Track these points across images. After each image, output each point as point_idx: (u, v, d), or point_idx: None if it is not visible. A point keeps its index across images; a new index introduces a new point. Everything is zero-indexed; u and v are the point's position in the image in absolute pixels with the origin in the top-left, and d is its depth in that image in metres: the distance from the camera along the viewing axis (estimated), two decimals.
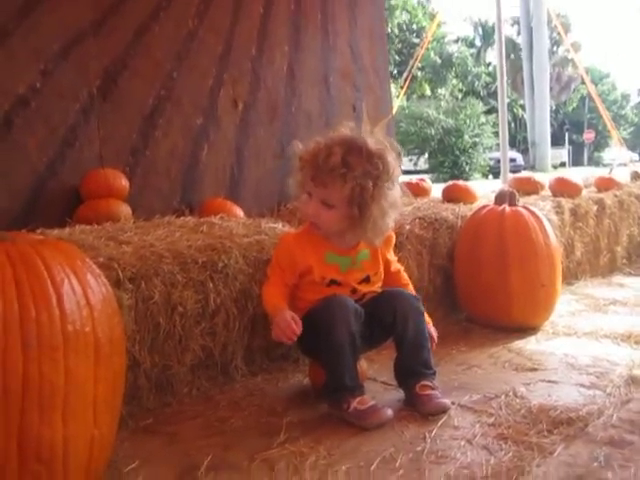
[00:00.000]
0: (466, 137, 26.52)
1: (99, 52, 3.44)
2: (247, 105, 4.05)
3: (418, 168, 30.11)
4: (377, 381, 2.66)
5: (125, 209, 3.26)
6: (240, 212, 3.57)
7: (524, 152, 36.18)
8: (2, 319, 1.49)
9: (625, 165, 6.74)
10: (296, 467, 1.96)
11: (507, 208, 3.39)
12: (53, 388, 1.52)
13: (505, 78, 6.56)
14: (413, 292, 2.61)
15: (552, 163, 33.57)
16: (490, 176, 25.96)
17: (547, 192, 4.76)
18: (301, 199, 2.45)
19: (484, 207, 3.52)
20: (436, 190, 4.79)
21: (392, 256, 2.65)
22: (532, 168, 31.61)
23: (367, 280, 2.51)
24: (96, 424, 1.64)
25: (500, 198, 3.50)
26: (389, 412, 2.26)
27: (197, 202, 3.73)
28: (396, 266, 2.66)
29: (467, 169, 26.41)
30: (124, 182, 3.35)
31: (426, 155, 29.07)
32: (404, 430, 2.19)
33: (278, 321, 2.29)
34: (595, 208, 4.55)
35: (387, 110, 5.12)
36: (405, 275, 2.70)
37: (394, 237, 2.65)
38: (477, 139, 26.83)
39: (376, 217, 2.34)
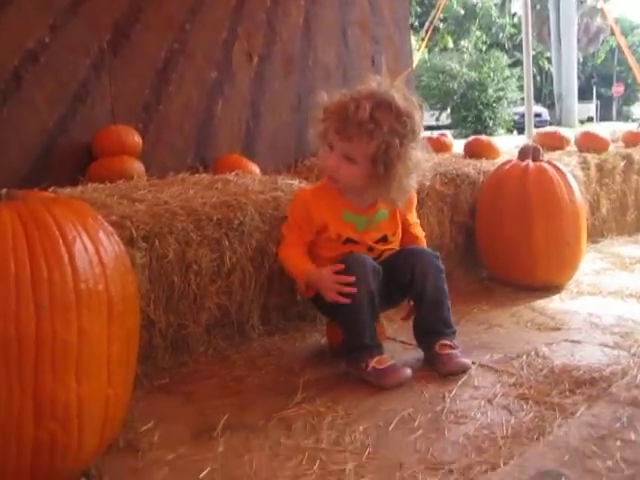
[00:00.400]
0: (490, 91, 26.21)
1: (109, 5, 3.40)
2: (262, 58, 4.01)
3: (440, 123, 29.84)
4: (396, 340, 2.67)
5: (138, 166, 3.25)
6: (256, 169, 3.56)
7: (550, 107, 35.76)
8: (14, 279, 1.50)
9: None
10: (313, 426, 1.98)
11: (531, 163, 3.37)
12: (66, 347, 1.53)
13: (530, 29, 6.46)
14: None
15: (579, 118, 33.16)
16: (514, 131, 25.70)
17: (573, 147, 4.72)
18: (321, 151, 2.45)
19: (507, 162, 3.50)
20: (458, 146, 4.75)
21: (413, 218, 2.64)
22: (558, 123, 31.25)
23: (384, 239, 2.51)
24: (110, 383, 1.65)
25: (523, 153, 3.47)
26: (408, 371, 2.27)
27: (211, 159, 3.71)
28: (416, 231, 2.65)
29: (491, 124, 26.14)
30: (137, 139, 3.34)
31: (448, 110, 28.78)
32: (423, 390, 2.21)
33: (324, 283, 2.31)
34: (622, 164, 4.51)
35: (407, 63, 5.05)
36: (424, 240, 2.68)
37: (415, 198, 2.64)
38: (501, 93, 26.51)
39: (401, 176, 2.34)
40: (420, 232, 2.67)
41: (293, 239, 2.46)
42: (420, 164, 2.41)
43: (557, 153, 4.42)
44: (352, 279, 2.26)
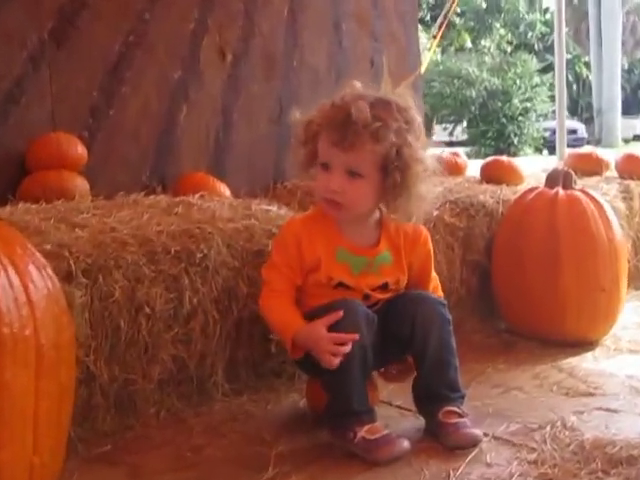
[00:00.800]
0: (515, 101, 26.44)
1: None
2: (237, 56, 4.05)
3: (454, 139, 30.04)
4: (392, 405, 2.67)
5: (81, 184, 3.27)
6: (225, 190, 3.58)
7: (588, 122, 36.07)
8: None
9: None
10: None
11: (560, 192, 3.40)
12: None
13: (564, 28, 6.54)
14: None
15: (623, 136, 33.40)
16: (544, 151, 25.88)
17: (613, 173, 4.76)
18: (315, 175, 2.46)
19: (532, 190, 3.52)
20: (474, 167, 4.78)
21: (421, 262, 2.60)
22: (597, 142, 31.49)
23: (384, 287, 2.51)
24: (36, 449, 1.64)
25: (552, 179, 3.50)
26: (405, 444, 2.26)
27: (172, 176, 3.73)
28: (433, 279, 2.65)
29: (515, 141, 26.34)
30: (80, 150, 3.35)
31: (464, 123, 29.02)
32: (423, 467, 2.20)
33: (320, 346, 2.27)
34: None
35: (414, 66, 5.11)
36: (439, 287, 2.68)
37: (426, 238, 2.61)
38: (529, 104, 26.75)
39: (421, 181, 2.37)
40: (438, 286, 2.67)
41: (279, 285, 2.44)
42: (434, 168, 2.43)
43: (594, 179, 4.46)
44: (355, 337, 2.24)
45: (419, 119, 2.40)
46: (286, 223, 2.59)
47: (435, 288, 2.64)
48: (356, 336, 2.24)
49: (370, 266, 2.46)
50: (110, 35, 3.61)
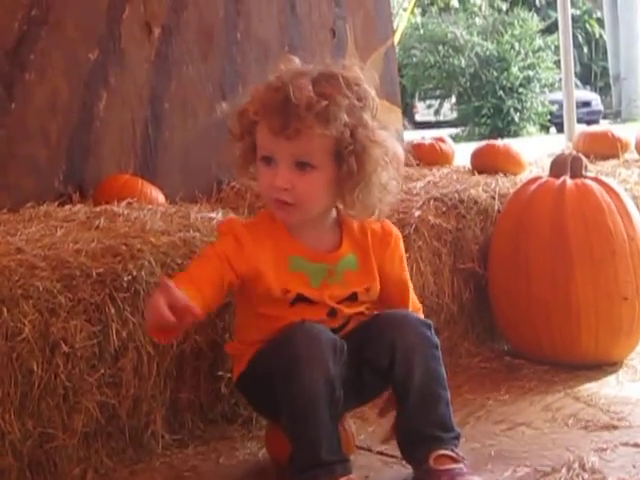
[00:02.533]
0: (514, 70, 26.62)
1: None
2: (167, 31, 4.05)
3: (441, 118, 30.20)
4: (372, 451, 2.68)
5: None
6: (158, 195, 3.58)
7: (604, 91, 36.29)
8: None
9: None
10: None
11: (569, 181, 3.42)
12: None
13: None
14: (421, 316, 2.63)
15: None
16: (552, 129, 26.05)
17: (634, 154, 4.80)
18: (257, 172, 2.47)
19: (534, 181, 3.55)
20: (463, 154, 4.81)
21: (394, 268, 2.63)
22: (616, 115, 31.73)
23: (353, 299, 2.52)
24: None
25: (558, 166, 3.53)
26: None
27: (92, 181, 3.73)
28: (406, 296, 2.66)
29: (516, 118, 26.52)
30: None
31: (453, 99, 29.16)
32: None
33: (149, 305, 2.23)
34: None
35: (385, 35, 5.13)
36: (415, 299, 2.71)
37: (397, 239, 2.65)
38: (531, 72, 26.95)
39: (382, 167, 2.39)
40: (414, 301, 2.69)
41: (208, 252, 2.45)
42: (396, 152, 2.47)
43: (610, 164, 4.51)
44: (194, 311, 2.18)
45: (372, 93, 2.41)
46: (225, 222, 2.61)
47: (413, 303, 2.67)
48: (195, 309, 2.18)
49: (332, 274, 2.48)
50: (7, 11, 3.60)
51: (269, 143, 2.37)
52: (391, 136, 2.47)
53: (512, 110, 26.30)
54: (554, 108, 25.83)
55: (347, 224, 2.52)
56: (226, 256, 2.38)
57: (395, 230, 2.63)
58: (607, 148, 4.76)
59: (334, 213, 2.52)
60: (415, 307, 2.67)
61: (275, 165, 2.37)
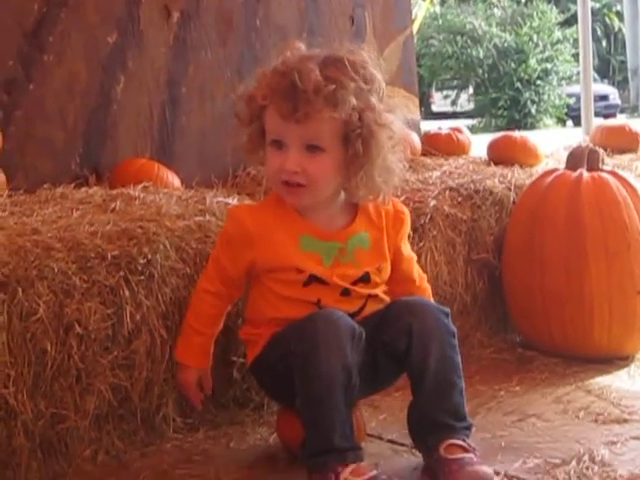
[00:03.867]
0: (532, 62, 26.58)
1: None
2: (186, 15, 4.05)
3: (458, 109, 30.15)
4: (383, 439, 2.69)
5: None
6: (175, 180, 3.58)
7: (621, 85, 36.19)
8: None
9: None
10: None
11: (585, 174, 3.42)
12: None
13: None
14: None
15: None
16: (569, 122, 26.00)
17: None
18: (265, 156, 2.48)
19: (550, 173, 3.55)
20: (480, 145, 4.80)
21: (407, 250, 2.69)
22: (634, 109, 31.64)
23: (366, 280, 2.53)
24: None
25: (575, 159, 3.52)
26: None
27: (108, 164, 3.73)
28: (411, 269, 2.70)
29: (533, 111, 26.49)
30: None
31: (470, 90, 29.11)
32: None
33: (181, 382, 2.63)
34: None
35: (404, 23, 5.13)
36: (427, 286, 2.73)
37: (408, 217, 2.67)
38: (549, 65, 26.91)
39: (387, 150, 2.41)
40: (419, 272, 2.72)
41: (216, 284, 2.53)
42: (402, 135, 2.50)
43: (627, 157, 4.51)
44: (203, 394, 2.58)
45: (379, 76, 2.43)
46: (230, 217, 2.60)
47: (419, 273, 2.72)
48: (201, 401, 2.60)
49: (343, 253, 2.49)
50: None
51: (279, 127, 2.39)
52: (397, 119, 2.48)
53: (529, 102, 26.28)
54: (571, 101, 25.79)
55: (363, 205, 2.54)
56: (229, 259, 2.50)
57: (405, 208, 2.65)
58: (624, 142, 4.75)
59: (342, 195, 2.52)
60: (421, 276, 2.72)
61: (286, 149, 2.39)
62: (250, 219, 2.48)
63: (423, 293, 2.66)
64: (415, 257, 2.73)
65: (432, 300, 2.62)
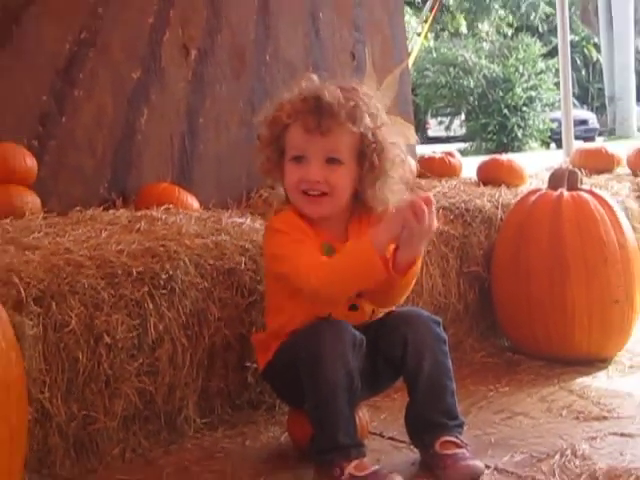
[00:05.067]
0: (518, 90, 26.55)
1: None
2: (203, 53, 4.06)
3: (451, 134, 30.13)
4: (384, 437, 2.70)
5: (31, 199, 3.27)
6: (193, 202, 3.59)
7: (599, 111, 36.15)
8: None
9: None
10: None
11: (565, 193, 3.42)
12: None
13: (567, 6, 6.56)
14: None
15: (638, 126, 33.53)
16: (552, 145, 25.95)
17: (625, 169, 4.79)
18: (284, 172, 2.49)
19: (534, 192, 3.55)
20: (470, 167, 4.81)
21: None
22: (611, 133, 31.59)
23: None
24: None
25: (556, 179, 3.53)
26: None
27: (133, 188, 3.74)
28: None
29: (520, 135, 26.44)
30: (30, 162, 3.35)
31: (462, 116, 29.10)
32: None
33: (393, 225, 2.28)
34: None
35: (401, 57, 5.13)
36: None
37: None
38: (533, 93, 26.87)
39: (398, 165, 2.47)
40: None
41: (312, 258, 2.39)
42: (405, 153, 2.55)
43: (603, 177, 4.50)
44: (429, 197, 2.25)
45: (380, 106, 2.49)
46: (273, 220, 2.59)
47: None
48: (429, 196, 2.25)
49: None
50: (60, 33, 3.60)
51: (302, 142, 2.42)
52: (401, 142, 2.53)
53: (516, 127, 26.24)
54: (554, 125, 25.73)
55: (357, 214, 2.56)
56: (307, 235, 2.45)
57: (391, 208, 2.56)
58: (601, 163, 4.76)
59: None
60: None
61: (306, 162, 2.42)
62: (292, 218, 2.50)
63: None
64: None
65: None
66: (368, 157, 2.40)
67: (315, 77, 2.50)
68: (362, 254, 2.29)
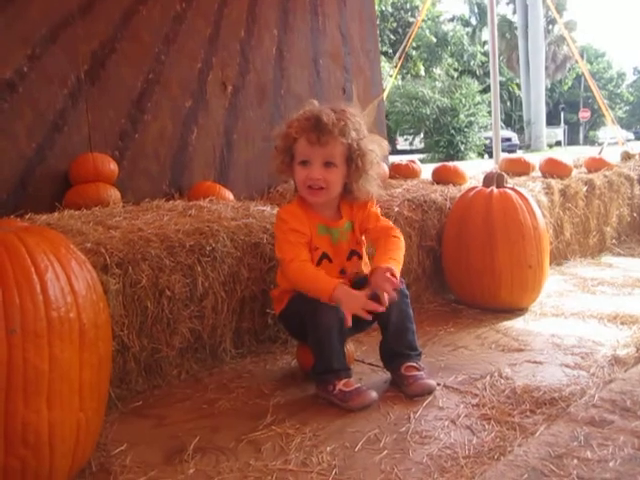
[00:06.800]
0: (462, 116, 26.47)
1: (87, 36, 3.42)
2: (236, 88, 4.05)
3: (414, 147, 30.06)
4: (365, 363, 2.69)
5: (114, 193, 3.27)
6: (229, 195, 3.58)
7: (519, 131, 36.13)
8: None
9: (618, 144, 6.74)
10: (282, 448, 1.99)
11: (495, 190, 3.41)
12: (37, 374, 1.54)
13: (497, 57, 6.54)
14: (399, 236, 2.55)
15: (547, 142, 33.56)
16: (486, 155, 25.90)
17: (538, 173, 4.77)
18: (293, 172, 2.48)
19: (472, 189, 3.54)
20: (427, 171, 4.79)
21: (373, 214, 2.58)
22: (527, 147, 31.60)
23: (357, 255, 2.56)
24: (82, 408, 1.66)
25: (488, 180, 3.52)
26: (373, 394, 2.29)
27: (186, 185, 3.74)
28: (385, 223, 2.59)
29: (462, 148, 26.38)
30: (113, 166, 3.35)
31: (421, 134, 29.01)
32: (389, 411, 2.22)
33: (355, 303, 2.24)
34: (584, 189, 4.57)
35: (377, 91, 5.12)
36: (394, 227, 2.59)
37: (374, 202, 2.61)
38: (472, 118, 26.78)
39: (375, 166, 2.47)
40: (389, 223, 2.60)
41: (299, 254, 2.40)
42: (379, 157, 2.53)
43: (522, 179, 4.48)
44: (382, 309, 2.24)
45: (362, 122, 2.47)
46: (280, 211, 2.57)
47: (392, 229, 2.57)
48: (383, 309, 2.24)
49: (342, 234, 2.53)
50: (134, 74, 3.60)
51: (307, 151, 2.41)
52: (377, 150, 2.52)
53: (460, 143, 26.23)
54: (487, 142, 25.74)
55: (344, 202, 2.56)
56: (301, 235, 2.44)
57: (371, 199, 2.57)
58: (520, 169, 4.73)
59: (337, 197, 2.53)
60: (392, 227, 2.57)
61: (310, 165, 2.42)
62: (294, 208, 2.51)
63: (397, 241, 2.53)
64: (383, 218, 2.60)
65: (402, 238, 2.56)
66: (354, 160, 2.41)
67: (316, 102, 2.49)
68: (323, 286, 2.29)
